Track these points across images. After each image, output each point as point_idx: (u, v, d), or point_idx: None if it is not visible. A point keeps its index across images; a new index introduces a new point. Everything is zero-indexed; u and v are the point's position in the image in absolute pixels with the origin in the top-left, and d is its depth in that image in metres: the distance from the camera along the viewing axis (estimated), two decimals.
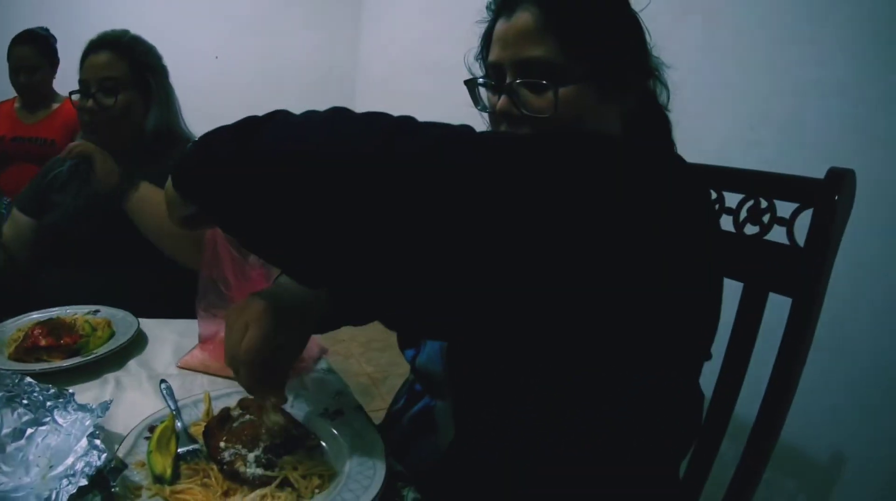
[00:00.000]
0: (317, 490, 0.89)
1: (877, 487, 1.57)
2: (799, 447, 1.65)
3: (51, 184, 1.90)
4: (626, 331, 0.80)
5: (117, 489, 0.85)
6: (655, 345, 0.84)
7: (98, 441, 0.88)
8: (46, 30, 3.18)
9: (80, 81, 1.80)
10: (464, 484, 1.06)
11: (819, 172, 1.06)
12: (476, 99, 1.09)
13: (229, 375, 1.22)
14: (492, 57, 1.01)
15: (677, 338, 0.87)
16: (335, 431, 1.03)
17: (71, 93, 1.83)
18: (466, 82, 1.08)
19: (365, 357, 3.48)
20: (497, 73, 1.00)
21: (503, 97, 0.97)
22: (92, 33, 1.87)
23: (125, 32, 1.87)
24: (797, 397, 1.09)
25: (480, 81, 1.07)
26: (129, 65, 1.81)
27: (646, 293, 0.78)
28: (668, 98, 1.08)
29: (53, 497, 0.79)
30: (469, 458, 1.06)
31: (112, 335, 1.40)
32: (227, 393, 1.12)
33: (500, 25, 0.99)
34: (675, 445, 1.03)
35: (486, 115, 1.08)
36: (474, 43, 1.13)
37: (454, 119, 0.73)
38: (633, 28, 1.02)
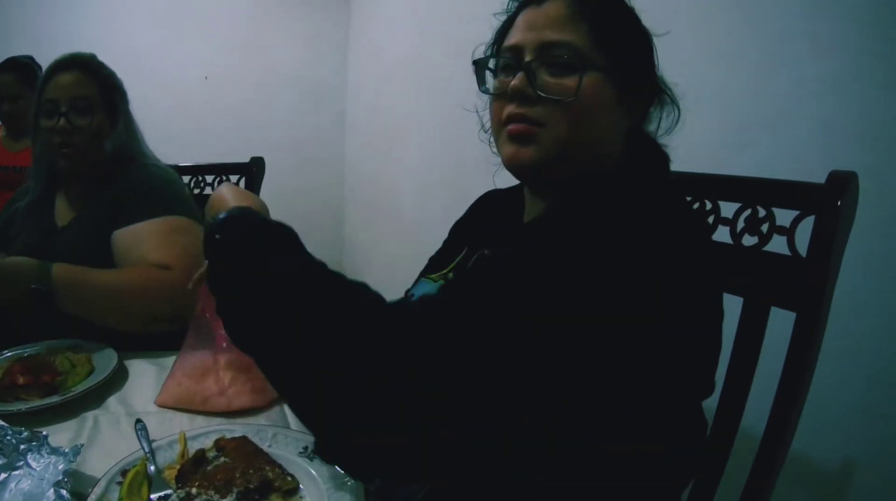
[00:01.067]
0: None
1: (890, 495, 1.53)
2: (807, 455, 1.61)
3: (10, 218, 1.86)
4: (618, 376, 0.79)
5: None
6: (646, 386, 0.82)
7: (64, 491, 0.87)
8: (31, 58, 3.17)
9: (47, 101, 1.71)
10: None
11: (815, 173, 1.02)
12: (482, 80, 1.06)
13: (207, 410, 1.18)
14: (511, 41, 0.98)
15: (671, 380, 0.85)
16: (314, 472, 0.98)
17: (35, 114, 1.76)
18: (476, 62, 1.06)
19: None
20: (515, 56, 0.98)
21: (519, 75, 0.94)
22: None
23: (93, 55, 1.82)
24: (804, 405, 1.05)
25: (492, 63, 1.05)
26: (98, 86, 1.75)
27: (641, 342, 0.77)
28: (679, 116, 1.05)
29: None
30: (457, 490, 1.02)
31: (92, 371, 1.36)
32: (205, 433, 1.08)
33: (528, 13, 0.98)
34: (673, 472, 0.99)
35: (483, 114, 1.07)
36: (464, 57, 1.11)
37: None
38: (647, 39, 1.02)
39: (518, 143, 0.95)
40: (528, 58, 0.94)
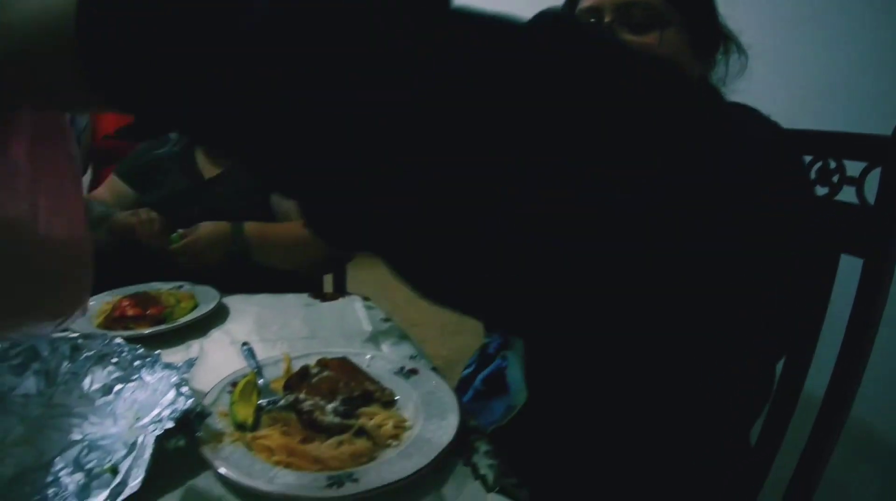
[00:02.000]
0: (391, 440, 0.92)
1: None
2: (877, 429, 1.61)
3: (153, 163, 1.99)
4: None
5: (201, 433, 0.90)
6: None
7: (185, 388, 0.93)
8: None
9: None
10: (536, 441, 1.08)
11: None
12: None
13: None
14: (588, 2, 1.03)
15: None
16: (410, 386, 1.06)
17: None
18: None
19: (440, 341, 3.54)
20: (595, 16, 1.02)
21: None
22: None
23: None
24: (876, 379, 1.08)
25: None
26: None
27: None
28: (747, 61, 1.11)
29: (140, 441, 0.82)
30: (540, 419, 1.08)
31: (195, 306, 1.46)
32: (307, 354, 1.15)
33: None
34: (744, 414, 1.03)
35: None
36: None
37: None
38: None
39: None
40: (608, 18, 0.99)
